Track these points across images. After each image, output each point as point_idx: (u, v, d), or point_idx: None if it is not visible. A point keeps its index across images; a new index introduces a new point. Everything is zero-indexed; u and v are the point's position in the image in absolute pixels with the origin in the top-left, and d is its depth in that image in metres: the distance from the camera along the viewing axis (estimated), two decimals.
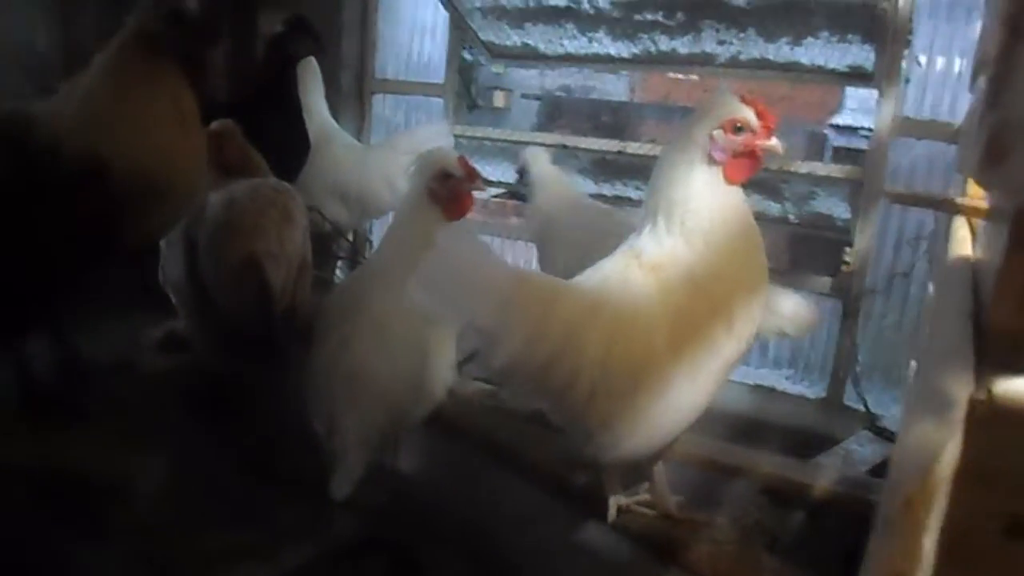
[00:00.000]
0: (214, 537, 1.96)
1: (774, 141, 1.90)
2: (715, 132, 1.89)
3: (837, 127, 13.01)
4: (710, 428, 2.33)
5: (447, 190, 2.20)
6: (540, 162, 3.06)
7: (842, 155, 10.66)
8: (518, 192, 3.32)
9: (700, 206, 1.89)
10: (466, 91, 4.08)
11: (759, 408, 3.09)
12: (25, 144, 2.03)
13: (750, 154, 1.91)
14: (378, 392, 2.05)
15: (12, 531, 1.90)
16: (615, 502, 2.12)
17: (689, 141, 1.91)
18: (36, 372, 2.41)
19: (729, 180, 1.91)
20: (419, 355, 2.10)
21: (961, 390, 0.70)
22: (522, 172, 3.08)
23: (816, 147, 11.90)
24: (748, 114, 1.90)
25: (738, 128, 1.89)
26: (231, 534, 1.98)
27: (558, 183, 3.05)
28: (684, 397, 1.88)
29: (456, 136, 3.67)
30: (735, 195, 1.93)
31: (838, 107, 12.98)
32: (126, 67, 2.11)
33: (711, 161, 1.90)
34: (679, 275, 1.88)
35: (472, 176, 2.24)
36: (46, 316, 2.40)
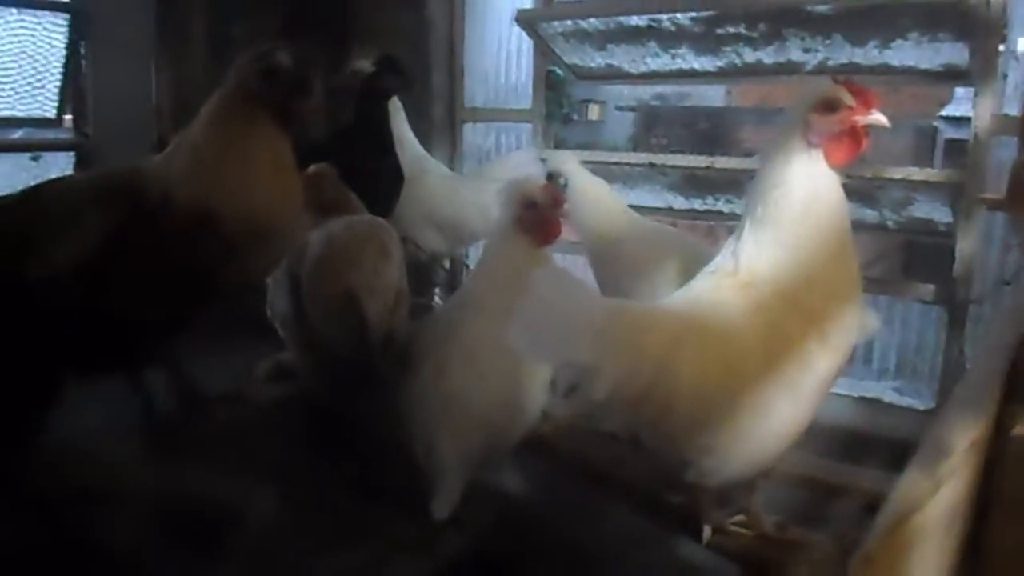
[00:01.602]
0: (324, 557, 2.06)
1: (876, 115, 1.86)
2: (810, 115, 1.88)
3: (949, 119, 12.48)
4: (811, 444, 2.30)
5: (534, 218, 2.25)
6: (572, 168, 3.02)
7: (956, 148, 10.24)
8: None
9: (797, 192, 1.87)
10: (559, 106, 4.14)
11: (864, 421, 3.01)
12: (141, 198, 2.19)
13: (850, 132, 1.87)
14: (473, 416, 2.11)
15: (134, 555, 2.04)
16: (711, 522, 2.12)
17: (785, 129, 1.91)
18: (156, 403, 2.58)
19: (831, 162, 1.88)
20: (512, 379, 2.16)
21: (962, 437, 0.71)
22: (551, 177, 3.04)
23: (925, 143, 11.44)
24: (840, 91, 1.87)
25: (833, 108, 1.86)
26: (340, 553, 2.08)
27: (599, 195, 3.00)
28: (783, 416, 1.86)
29: (544, 160, 3.73)
30: (834, 186, 1.90)
31: (949, 97, 12.46)
32: (228, 121, 2.26)
33: (810, 145, 1.88)
34: (770, 290, 1.87)
35: (558, 203, 2.29)
36: (163, 352, 2.58)
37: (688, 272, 2.24)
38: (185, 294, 2.25)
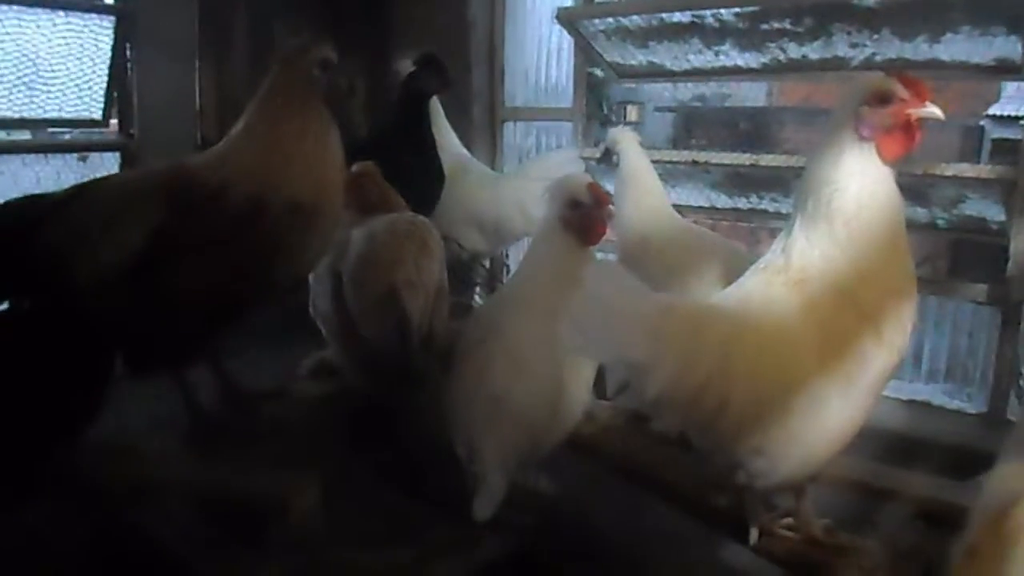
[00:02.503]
0: (366, 554, 2.06)
1: (930, 107, 1.82)
2: (861, 108, 1.84)
3: (996, 117, 12.25)
4: (861, 447, 2.25)
5: (579, 217, 2.24)
6: (629, 145, 2.98)
7: (1004, 148, 10.04)
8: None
9: (850, 187, 1.84)
10: (598, 107, 4.11)
11: (914, 424, 2.94)
12: (191, 192, 2.22)
13: (903, 125, 1.83)
14: (515, 416, 2.10)
15: (180, 549, 2.06)
16: (758, 525, 2.08)
17: (836, 123, 1.87)
18: (202, 399, 2.60)
19: (884, 157, 1.85)
20: (555, 379, 2.14)
21: None
22: (607, 153, 3.03)
23: (971, 143, 11.23)
24: (892, 83, 1.83)
25: (885, 100, 1.82)
26: (382, 551, 2.07)
27: (649, 187, 2.96)
28: (838, 416, 1.83)
29: (586, 159, 3.70)
30: (887, 181, 1.86)
31: (996, 96, 12.22)
32: (279, 113, 2.30)
33: (862, 139, 1.84)
34: (823, 285, 1.84)
35: (602, 202, 2.27)
36: (210, 348, 2.60)
37: (724, 276, 2.21)
38: (234, 291, 2.27)
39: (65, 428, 2.21)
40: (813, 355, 1.79)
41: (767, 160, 3.32)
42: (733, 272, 2.17)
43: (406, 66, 3.41)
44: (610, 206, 2.32)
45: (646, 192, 2.93)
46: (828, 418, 1.81)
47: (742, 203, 3.65)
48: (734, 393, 1.78)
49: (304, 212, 2.25)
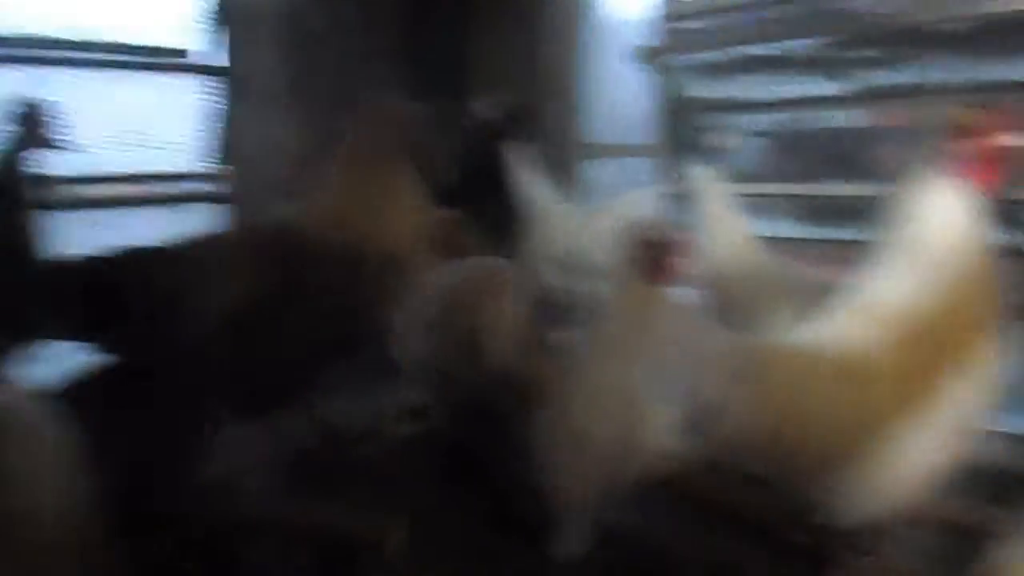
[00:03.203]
0: None
1: (1013, 136, 1.81)
2: (944, 141, 1.82)
3: None
4: (953, 484, 2.18)
5: (654, 259, 2.25)
6: (709, 184, 2.98)
7: None
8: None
9: (932, 221, 1.82)
10: (686, 132, 4.11)
11: (1012, 459, 2.83)
12: (292, 247, 2.36)
13: (987, 157, 1.81)
14: (596, 456, 2.12)
15: None
16: (839, 565, 2.04)
17: (919, 155, 1.86)
18: (296, 440, 2.71)
19: (969, 189, 1.82)
20: (636, 418, 2.15)
21: None
22: (688, 194, 3.04)
23: None
24: (975, 115, 1.81)
25: (968, 132, 1.80)
26: None
27: (730, 225, 2.95)
28: (920, 455, 1.80)
29: (667, 195, 3.71)
30: (971, 213, 1.83)
31: None
32: (369, 167, 2.45)
33: (945, 172, 1.82)
34: (904, 321, 1.81)
35: (676, 243, 2.28)
36: (307, 391, 2.71)
37: (810, 311, 2.18)
38: (330, 335, 2.38)
39: (171, 469, 2.33)
40: (893, 394, 1.76)
41: (851, 190, 3.27)
42: (817, 307, 2.15)
43: (485, 110, 3.48)
44: (686, 246, 2.32)
45: (727, 230, 2.93)
46: (910, 456, 1.78)
47: (828, 233, 3.59)
48: (811, 432, 1.77)
49: (394, 261, 2.38)
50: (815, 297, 2.43)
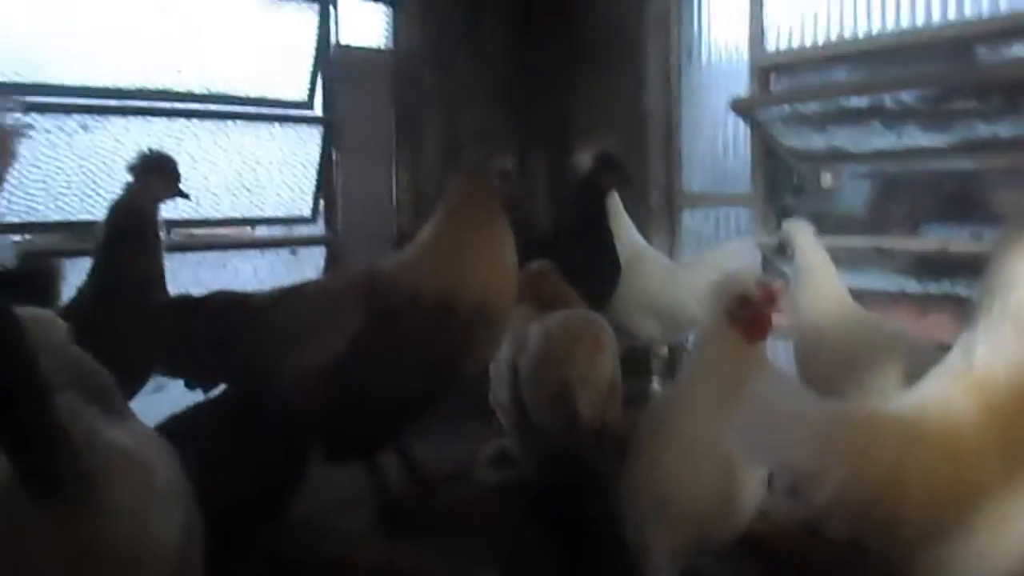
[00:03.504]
0: None
1: None
2: None
3: None
4: None
5: (746, 314, 2.24)
6: (805, 240, 2.92)
7: None
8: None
9: None
10: (789, 175, 4.09)
11: None
12: (388, 298, 2.45)
13: None
14: (684, 512, 2.11)
15: None
16: None
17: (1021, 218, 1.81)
18: (389, 482, 2.77)
19: None
20: (727, 476, 2.13)
21: None
22: (782, 247, 2.98)
23: None
24: None
25: None
26: None
27: (825, 280, 2.88)
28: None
29: (762, 247, 3.68)
30: None
31: None
32: (463, 221, 2.52)
33: None
34: (1007, 390, 1.76)
35: (771, 299, 2.27)
36: (399, 436, 2.79)
37: (907, 375, 2.14)
38: (424, 384, 2.46)
39: (265, 507, 2.43)
40: (995, 464, 1.70)
41: (957, 245, 3.18)
42: (915, 369, 2.10)
43: (585, 161, 3.55)
44: (780, 301, 2.31)
45: (822, 286, 2.87)
46: (1013, 530, 1.71)
47: (933, 288, 3.49)
48: (909, 503, 1.72)
49: (486, 313, 2.45)
50: (915, 358, 2.38)
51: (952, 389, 1.82)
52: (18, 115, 1.51)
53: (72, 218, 3.57)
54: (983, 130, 3.20)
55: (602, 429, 2.49)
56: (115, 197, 2.88)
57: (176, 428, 2.18)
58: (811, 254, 2.90)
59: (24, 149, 2.98)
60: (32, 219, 3.49)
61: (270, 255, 4.20)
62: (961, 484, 1.71)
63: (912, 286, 3.53)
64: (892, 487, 1.72)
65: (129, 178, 2.87)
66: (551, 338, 2.57)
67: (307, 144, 4.21)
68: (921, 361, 2.11)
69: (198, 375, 2.58)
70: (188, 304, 2.72)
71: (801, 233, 2.94)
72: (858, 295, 2.98)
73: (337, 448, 2.50)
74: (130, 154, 2.94)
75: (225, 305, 2.65)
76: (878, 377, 2.49)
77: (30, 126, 1.56)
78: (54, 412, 1.37)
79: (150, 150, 2.94)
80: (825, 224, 3.58)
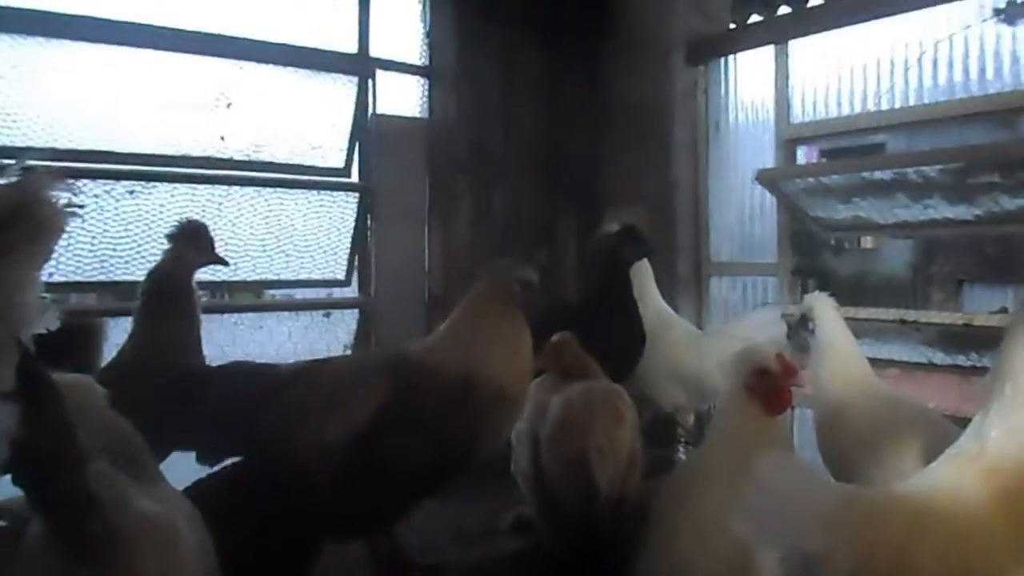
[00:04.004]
0: None
1: None
2: None
3: None
4: None
5: (765, 387, 2.27)
6: (826, 313, 2.94)
7: None
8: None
9: None
10: (807, 253, 4.13)
11: None
12: (412, 375, 2.55)
13: None
14: None
15: None
16: None
17: None
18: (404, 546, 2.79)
19: None
20: (740, 551, 2.14)
21: None
22: (804, 320, 2.99)
23: None
24: None
25: None
26: None
27: (845, 354, 2.89)
28: None
29: (788, 317, 3.70)
30: None
31: None
32: (483, 315, 2.65)
33: None
34: (1018, 473, 1.76)
35: (790, 373, 2.30)
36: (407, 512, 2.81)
37: (926, 452, 2.14)
38: (443, 460, 2.53)
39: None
40: (1005, 548, 1.70)
41: (982, 319, 3.18)
42: (934, 447, 2.10)
43: (610, 232, 3.61)
44: (801, 376, 2.34)
45: (843, 360, 2.87)
46: None
47: (961, 360, 3.48)
48: None
49: (504, 394, 2.54)
50: (935, 435, 2.38)
51: (964, 472, 1.82)
52: (70, 195, 1.61)
53: (116, 279, 3.70)
54: (1008, 203, 3.22)
55: (620, 501, 2.51)
56: (154, 264, 2.99)
57: (199, 494, 2.24)
58: (832, 327, 2.92)
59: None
60: (78, 279, 3.62)
61: (304, 317, 4.29)
62: (971, 569, 1.71)
63: (939, 357, 3.52)
64: (901, 571, 1.72)
65: (168, 245, 2.99)
66: (571, 409, 2.61)
67: (343, 209, 4.33)
68: (941, 438, 2.10)
69: (208, 446, 2.63)
70: (213, 373, 2.83)
71: (822, 306, 2.96)
72: (885, 364, 2.99)
73: (347, 522, 2.53)
74: (174, 218, 3.06)
75: (253, 375, 2.74)
76: (897, 454, 2.49)
77: (81, 206, 1.66)
78: (87, 479, 1.47)
79: (187, 219, 3.06)
80: (867, 282, 3.60)
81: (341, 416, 2.46)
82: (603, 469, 2.47)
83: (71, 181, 1.67)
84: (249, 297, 4.56)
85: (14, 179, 1.66)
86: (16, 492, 1.53)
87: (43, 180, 1.67)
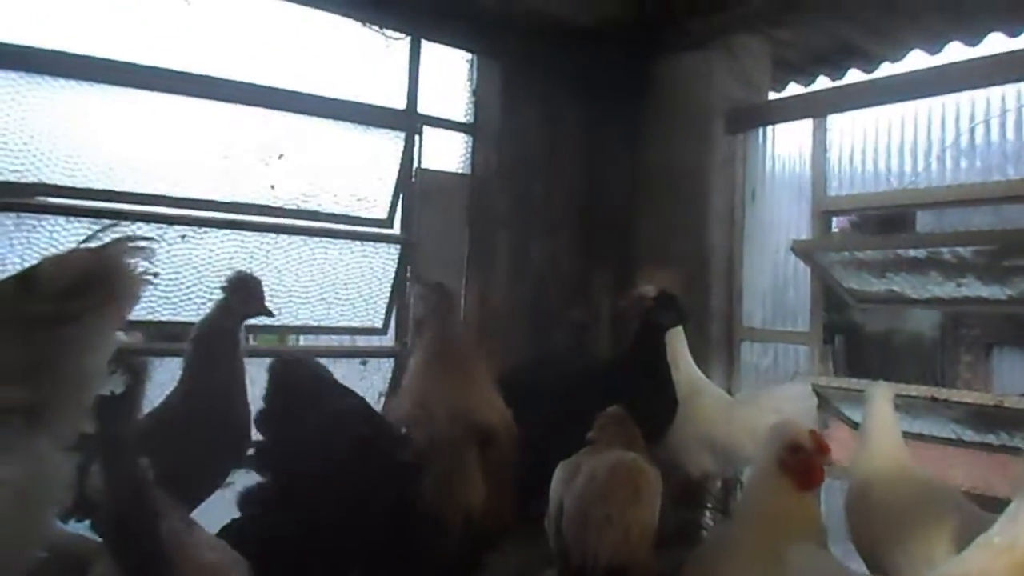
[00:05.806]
0: None
1: None
2: None
3: None
4: None
5: (798, 462, 2.32)
6: (882, 403, 2.96)
7: None
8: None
9: None
10: (840, 324, 4.16)
11: None
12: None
13: None
14: None
15: None
16: None
17: None
18: None
19: None
20: None
21: None
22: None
23: None
24: None
25: None
26: None
27: (888, 444, 2.91)
28: None
29: (818, 388, 3.74)
30: None
31: None
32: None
33: None
34: None
35: (823, 450, 2.34)
36: None
37: (955, 540, 2.16)
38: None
39: None
40: None
41: (1012, 402, 3.20)
42: (965, 536, 2.12)
43: (647, 295, 3.66)
44: (831, 454, 2.38)
45: (886, 450, 2.89)
46: None
47: (991, 439, 3.49)
48: None
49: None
50: (967, 526, 2.39)
51: (994, 564, 1.86)
52: (147, 262, 1.72)
53: (163, 319, 3.81)
54: None
55: (625, 571, 2.52)
56: (203, 309, 3.10)
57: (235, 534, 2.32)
58: (883, 417, 2.95)
59: None
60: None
61: (343, 364, 4.38)
62: None
63: (969, 434, 3.54)
64: None
65: (220, 294, 3.09)
66: (593, 476, 2.65)
67: (384, 260, 4.44)
68: (973, 527, 2.12)
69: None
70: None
71: (880, 395, 2.99)
72: (915, 439, 2.99)
73: None
74: (223, 264, 3.14)
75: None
76: (927, 540, 2.51)
77: (156, 274, 1.76)
78: (161, 538, 1.57)
79: (238, 272, 3.16)
80: (894, 341, 3.63)
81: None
82: (609, 539, 2.48)
83: (149, 247, 1.78)
84: (271, 340, 4.67)
85: (97, 244, 1.78)
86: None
87: (123, 247, 1.78)
